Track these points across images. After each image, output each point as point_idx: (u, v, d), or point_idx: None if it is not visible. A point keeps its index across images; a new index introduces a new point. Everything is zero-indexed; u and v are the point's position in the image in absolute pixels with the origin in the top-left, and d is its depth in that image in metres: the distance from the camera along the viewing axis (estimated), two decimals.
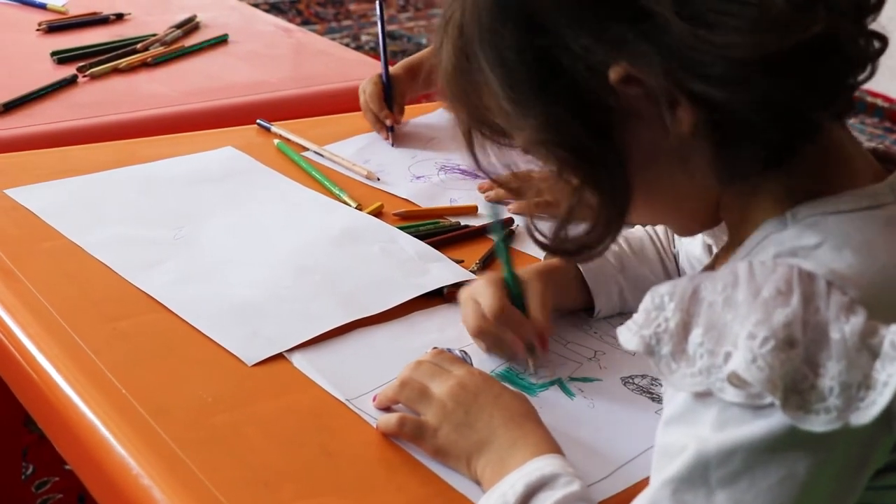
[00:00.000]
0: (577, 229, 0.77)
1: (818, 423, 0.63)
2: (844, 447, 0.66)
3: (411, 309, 1.12)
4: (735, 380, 0.65)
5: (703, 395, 0.67)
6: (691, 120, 0.70)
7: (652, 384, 1.03)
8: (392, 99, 1.56)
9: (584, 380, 1.03)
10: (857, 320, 0.64)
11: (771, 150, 0.72)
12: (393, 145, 1.54)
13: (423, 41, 4.33)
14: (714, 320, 0.66)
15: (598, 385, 1.02)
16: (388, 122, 1.54)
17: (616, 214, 0.75)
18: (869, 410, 0.63)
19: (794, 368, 0.63)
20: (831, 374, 0.63)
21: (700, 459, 0.67)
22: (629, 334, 0.70)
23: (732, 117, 0.69)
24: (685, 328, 0.67)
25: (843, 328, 0.64)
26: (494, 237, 1.10)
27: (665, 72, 0.68)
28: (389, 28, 4.54)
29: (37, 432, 1.98)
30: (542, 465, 0.84)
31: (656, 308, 0.69)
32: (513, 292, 1.05)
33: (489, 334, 1.04)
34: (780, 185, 0.74)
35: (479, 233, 1.31)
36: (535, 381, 1.02)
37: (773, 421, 0.64)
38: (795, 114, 0.70)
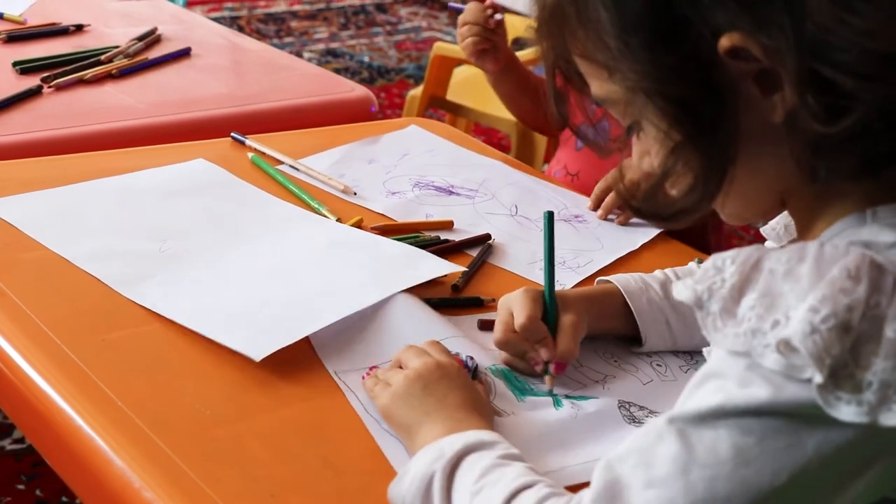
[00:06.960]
0: (672, 193, 0.74)
1: (847, 413, 0.64)
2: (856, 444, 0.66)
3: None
4: (783, 347, 0.65)
5: (739, 354, 0.67)
6: (788, 107, 0.68)
7: (648, 417, 1.01)
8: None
9: (580, 398, 1.03)
10: None
11: (871, 158, 0.69)
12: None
13: (366, 59, 4.34)
14: (770, 287, 0.66)
15: (591, 400, 1.02)
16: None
17: (716, 178, 0.72)
18: None
19: (842, 353, 0.64)
20: (874, 370, 0.64)
21: (721, 408, 0.67)
22: (682, 286, 0.69)
23: (841, 111, 0.66)
24: (740, 291, 0.67)
25: None
26: (545, 253, 1.07)
27: (793, 47, 0.65)
28: (332, 46, 4.53)
29: None
30: (484, 433, 0.86)
31: (716, 269, 0.68)
32: (548, 310, 1.05)
33: (512, 346, 1.05)
34: (864, 188, 0.72)
35: (460, 248, 1.32)
36: (531, 387, 1.03)
37: (802, 394, 0.65)
38: None
